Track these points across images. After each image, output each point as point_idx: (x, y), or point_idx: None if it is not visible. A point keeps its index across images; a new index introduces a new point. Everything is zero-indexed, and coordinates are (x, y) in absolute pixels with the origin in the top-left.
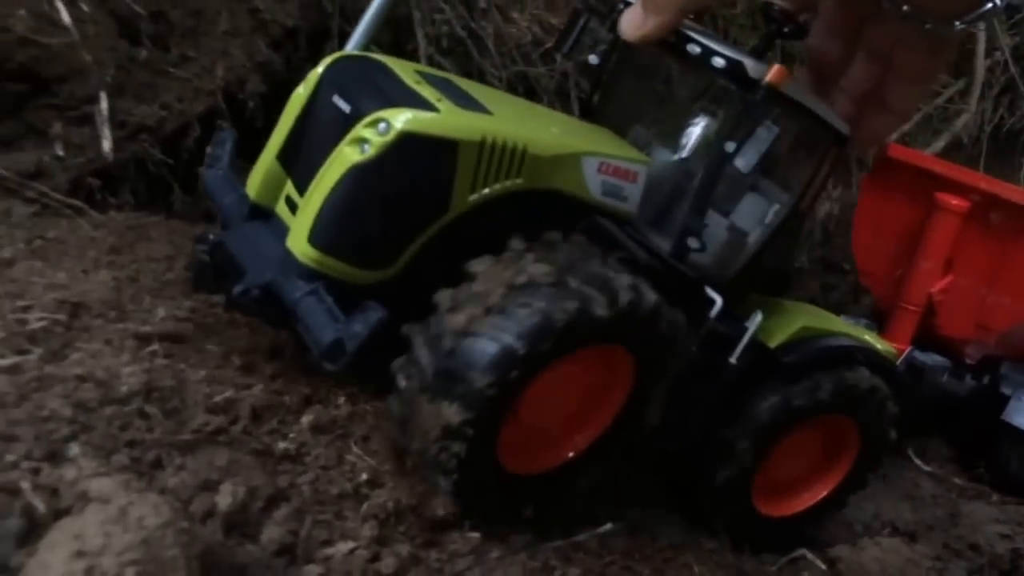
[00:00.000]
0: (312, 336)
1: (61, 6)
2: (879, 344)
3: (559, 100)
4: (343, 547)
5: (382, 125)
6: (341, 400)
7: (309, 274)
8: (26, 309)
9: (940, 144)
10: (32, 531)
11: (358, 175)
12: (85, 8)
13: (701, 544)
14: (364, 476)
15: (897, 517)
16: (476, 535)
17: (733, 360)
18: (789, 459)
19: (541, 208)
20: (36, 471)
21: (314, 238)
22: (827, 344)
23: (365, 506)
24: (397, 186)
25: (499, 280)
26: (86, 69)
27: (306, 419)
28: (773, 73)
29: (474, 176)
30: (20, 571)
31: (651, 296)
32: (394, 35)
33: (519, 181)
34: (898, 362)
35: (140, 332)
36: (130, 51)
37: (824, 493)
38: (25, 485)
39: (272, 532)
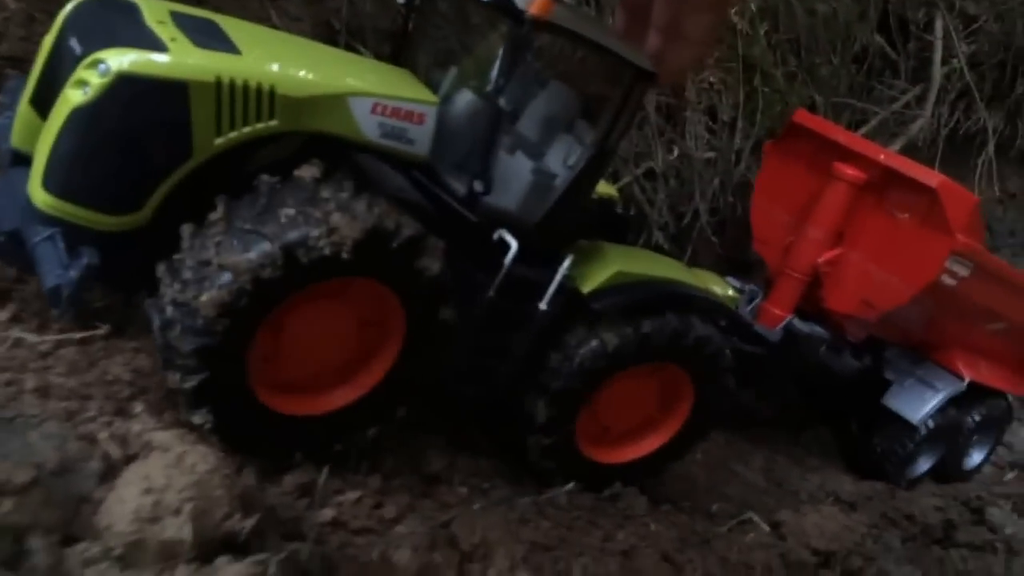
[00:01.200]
0: (41, 282)
1: None
2: (721, 294)
3: None
4: (352, 495)
5: (101, 66)
6: None
7: (46, 220)
8: None
9: (897, 146)
10: (108, 472)
11: (80, 118)
12: None
13: (658, 507)
14: (369, 443)
15: (840, 488)
16: (464, 489)
17: (543, 306)
18: (620, 407)
19: (321, 151)
20: (109, 424)
21: (47, 183)
22: (642, 290)
23: (370, 462)
24: (122, 129)
25: (241, 213)
26: None
27: None
28: (535, 4)
29: (216, 119)
30: (101, 503)
31: (407, 229)
32: None
33: (274, 123)
34: (775, 328)
35: None
36: None
37: (661, 442)
38: (101, 435)
39: (293, 480)
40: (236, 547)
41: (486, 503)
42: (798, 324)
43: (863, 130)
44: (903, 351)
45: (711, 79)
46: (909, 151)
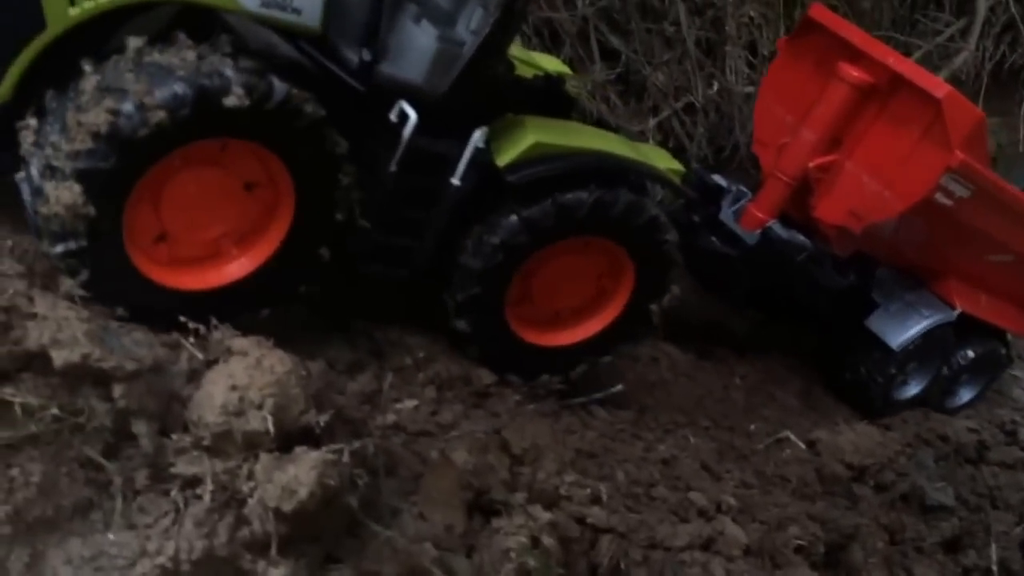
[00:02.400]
0: None
1: None
2: (663, 167)
3: (580, 43)
4: (410, 403)
5: None
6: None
7: None
8: None
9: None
10: (194, 373)
11: None
12: None
13: (698, 421)
14: (421, 354)
15: None
16: (513, 402)
17: (455, 181)
18: (558, 288)
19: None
20: (191, 331)
21: None
22: (562, 161)
23: (424, 375)
24: None
25: (107, 74)
26: None
27: (372, 305)
28: None
29: None
30: (190, 400)
31: (280, 89)
32: None
33: None
34: (754, 232)
35: None
36: None
37: (606, 323)
38: (185, 341)
39: (356, 388)
40: (312, 440)
41: (534, 414)
42: (778, 229)
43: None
44: (897, 274)
45: (751, 13)
46: (954, 84)
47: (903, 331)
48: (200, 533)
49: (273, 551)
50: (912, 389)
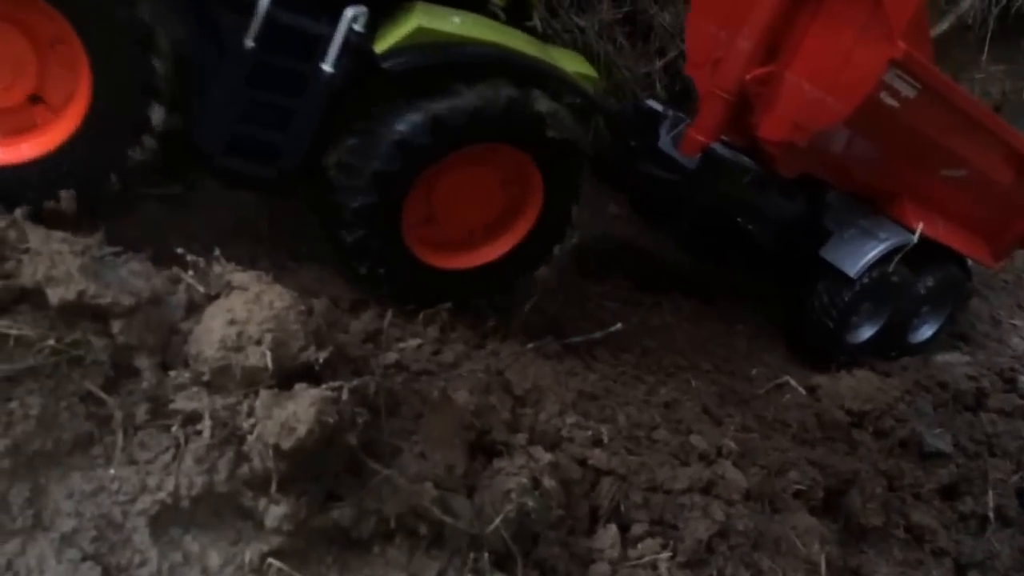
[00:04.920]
0: None
1: None
2: (572, 70)
3: None
4: (412, 343)
5: None
6: None
7: None
8: None
9: (944, 26)
10: (193, 307)
11: None
12: None
13: (700, 365)
14: None
15: (875, 360)
16: (515, 341)
17: (326, 67)
18: (460, 205)
19: None
20: (191, 264)
21: None
22: (453, 51)
23: (426, 314)
24: None
25: None
26: None
27: None
28: None
29: None
30: (189, 334)
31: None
32: None
33: None
34: (695, 158)
35: None
36: None
37: (511, 244)
38: (185, 274)
39: (358, 326)
40: (311, 376)
41: (536, 354)
42: (719, 150)
43: None
44: (851, 201)
45: None
46: (959, 30)
47: (860, 257)
48: (200, 469)
49: (273, 488)
50: (873, 326)
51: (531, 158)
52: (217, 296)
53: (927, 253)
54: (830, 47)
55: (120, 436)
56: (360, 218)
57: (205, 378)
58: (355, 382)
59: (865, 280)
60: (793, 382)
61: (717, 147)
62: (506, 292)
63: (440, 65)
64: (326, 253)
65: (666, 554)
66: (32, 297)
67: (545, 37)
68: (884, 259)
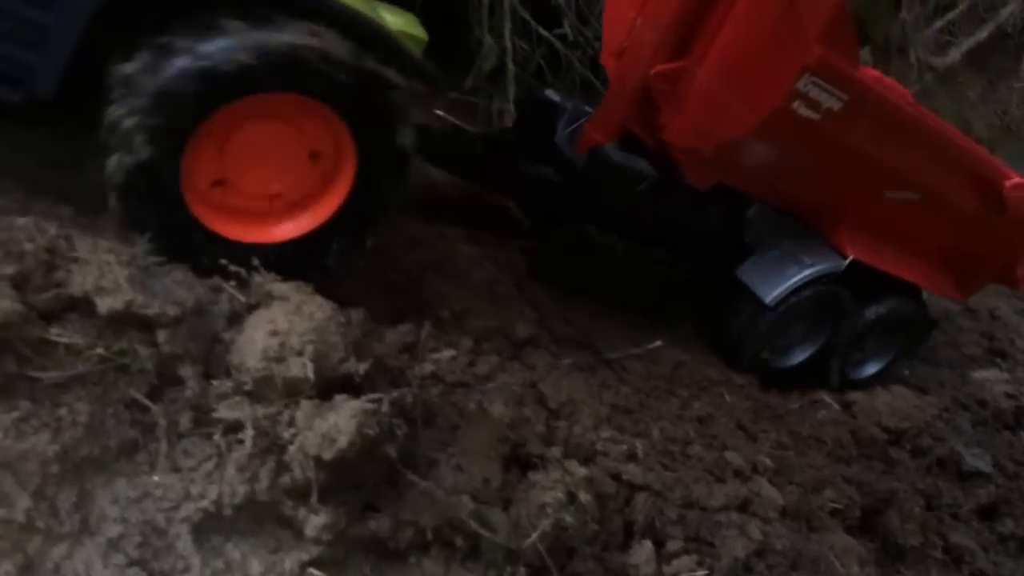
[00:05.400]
0: None
1: None
2: (399, 30)
3: None
4: (447, 354)
5: None
6: (440, 243)
7: None
8: None
9: (984, 34)
10: (234, 317)
11: None
12: None
13: (733, 379)
14: (459, 306)
15: (912, 375)
16: (549, 355)
17: None
18: (259, 168)
19: None
20: (232, 275)
21: None
22: None
23: (462, 327)
24: None
25: None
26: None
27: (413, 257)
28: None
29: None
30: (231, 344)
31: None
32: None
33: None
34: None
35: None
36: None
37: (326, 216)
38: (226, 285)
39: (394, 337)
40: (351, 387)
41: (570, 367)
42: (611, 151)
43: (951, 15)
44: (778, 216)
45: None
46: (997, 38)
47: (778, 282)
48: (242, 478)
49: (314, 498)
50: (798, 355)
51: (340, 120)
52: (258, 306)
53: (872, 282)
54: (744, 47)
55: (164, 443)
56: (129, 181)
57: (247, 388)
58: (394, 394)
59: (783, 308)
60: (828, 398)
61: (610, 148)
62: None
63: None
64: (363, 265)
65: (702, 572)
66: (81, 306)
67: (575, 45)
68: (808, 287)
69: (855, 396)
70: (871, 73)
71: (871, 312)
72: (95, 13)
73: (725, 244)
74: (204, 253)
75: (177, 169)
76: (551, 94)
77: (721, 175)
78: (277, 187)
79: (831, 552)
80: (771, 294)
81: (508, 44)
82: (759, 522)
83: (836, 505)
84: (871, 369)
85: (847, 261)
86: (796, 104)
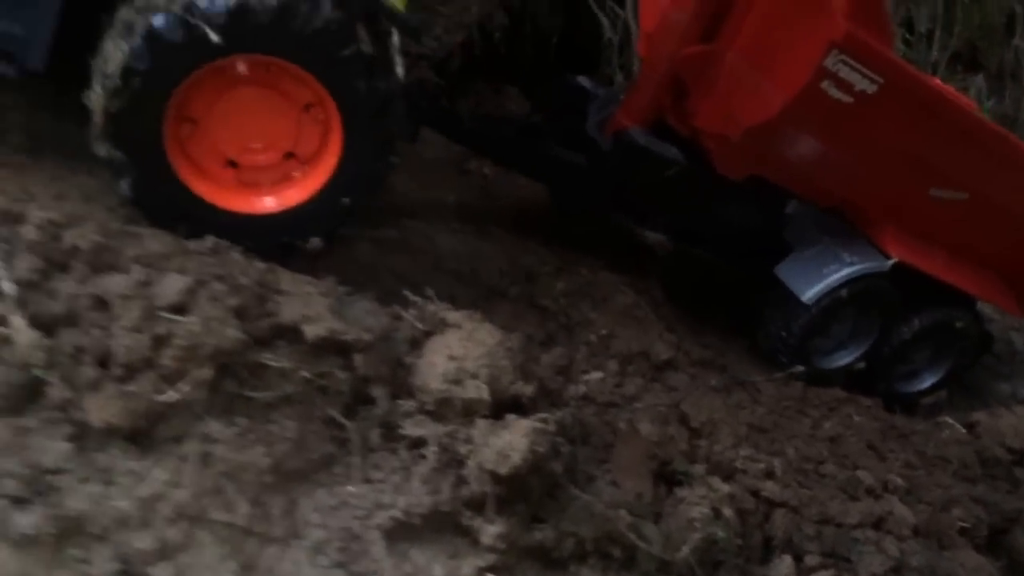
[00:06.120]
0: None
1: None
2: None
3: None
4: (597, 375)
5: None
6: (583, 270)
7: None
8: None
9: None
10: (415, 343)
11: None
12: None
13: (860, 400)
14: (604, 330)
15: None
16: (687, 376)
17: None
18: (246, 133)
19: None
20: (410, 304)
21: None
22: None
23: (608, 350)
24: None
25: None
26: None
27: (560, 284)
28: None
29: None
30: (412, 367)
31: None
32: None
33: None
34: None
35: None
36: None
37: (306, 194)
38: (405, 313)
39: (549, 360)
40: (520, 408)
41: (708, 388)
42: (638, 135)
43: None
44: (819, 213)
45: None
46: None
47: (816, 280)
48: (426, 490)
49: (489, 509)
50: (844, 357)
51: (322, 86)
52: (433, 332)
53: (921, 287)
54: (771, 25)
55: (358, 457)
56: (113, 126)
57: (429, 407)
58: (557, 414)
59: (821, 306)
60: (951, 419)
61: (636, 131)
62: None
63: None
64: (515, 291)
65: None
66: (288, 333)
67: None
68: (848, 286)
69: (978, 416)
70: (934, 82)
71: (919, 320)
72: None
73: (762, 240)
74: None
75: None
76: (583, 80)
77: (754, 166)
78: (260, 156)
79: (962, 570)
80: (809, 292)
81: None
82: (894, 539)
83: (964, 524)
84: (921, 383)
85: (891, 262)
86: (826, 84)
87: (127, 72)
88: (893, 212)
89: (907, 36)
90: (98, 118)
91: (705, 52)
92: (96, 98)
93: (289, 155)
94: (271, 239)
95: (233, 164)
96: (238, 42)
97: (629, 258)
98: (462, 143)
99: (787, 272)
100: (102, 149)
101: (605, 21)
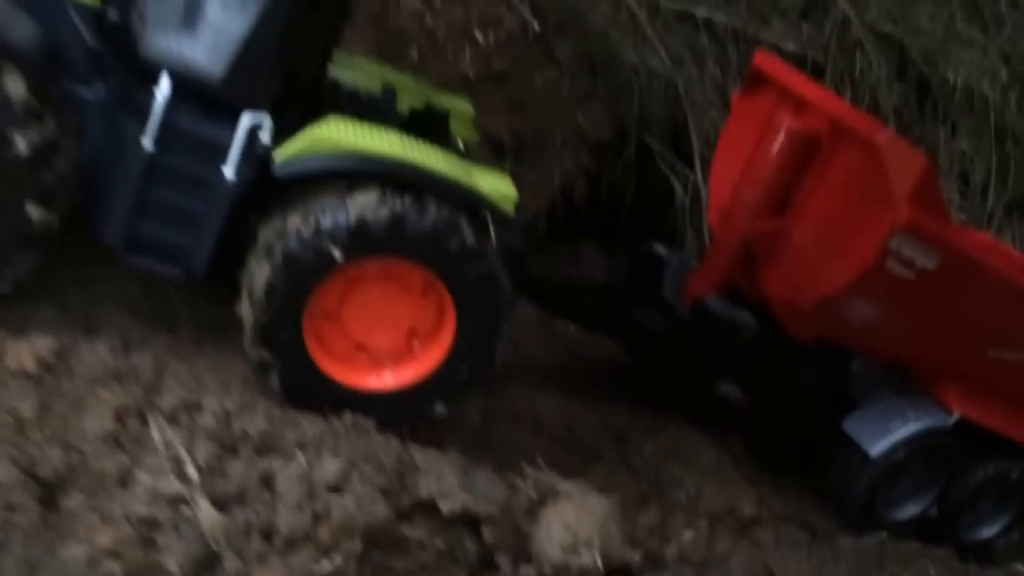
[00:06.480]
0: None
1: None
2: (490, 190)
3: None
4: (688, 534)
5: None
6: (670, 427)
7: None
8: None
9: None
10: (531, 511)
11: None
12: None
13: (934, 552)
14: (693, 489)
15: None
16: (772, 531)
17: (228, 173)
18: (373, 320)
19: None
20: (526, 476)
21: None
22: (345, 160)
23: (697, 508)
24: None
25: None
26: None
27: (649, 444)
28: None
29: None
30: (531, 534)
31: None
32: None
33: None
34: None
35: None
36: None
37: (421, 373)
38: (520, 483)
39: (644, 520)
40: (628, 572)
41: (790, 544)
42: (714, 303)
43: None
44: (884, 369)
45: (963, 147)
46: None
47: (884, 436)
48: None
49: None
50: (909, 509)
51: (438, 278)
52: (546, 500)
53: (984, 440)
54: (839, 206)
55: None
56: (261, 332)
57: (548, 573)
58: None
59: (888, 461)
60: (1020, 567)
61: (713, 300)
62: (405, 424)
63: (328, 174)
64: (610, 452)
65: None
66: (425, 508)
67: None
68: (914, 441)
69: None
70: (981, 236)
71: (983, 471)
72: (234, 202)
73: (830, 396)
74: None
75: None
76: (658, 248)
77: (822, 330)
78: (384, 339)
79: None
80: (876, 447)
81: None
82: None
83: None
84: (987, 531)
85: (954, 418)
86: (890, 263)
87: (270, 289)
88: (954, 370)
89: (962, 189)
90: (248, 328)
91: (775, 228)
92: (245, 311)
93: (411, 334)
94: (401, 410)
95: (362, 347)
96: (360, 250)
97: (710, 413)
98: (547, 309)
99: (855, 427)
100: (253, 353)
101: (677, 183)
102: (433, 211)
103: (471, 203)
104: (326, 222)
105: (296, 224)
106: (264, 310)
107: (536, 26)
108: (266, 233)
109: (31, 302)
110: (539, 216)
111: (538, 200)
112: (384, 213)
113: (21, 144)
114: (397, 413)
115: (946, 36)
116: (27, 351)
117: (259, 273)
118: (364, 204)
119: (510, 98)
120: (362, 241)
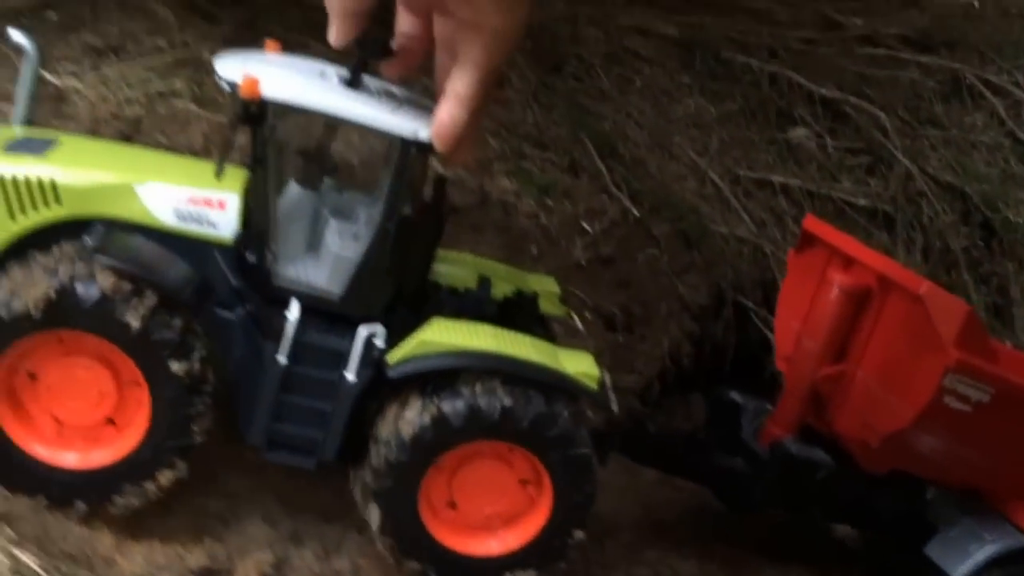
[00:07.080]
0: None
1: None
2: (576, 372)
3: None
4: None
5: None
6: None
7: None
8: None
9: None
10: None
11: None
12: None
13: None
14: None
15: None
16: None
17: (349, 376)
18: (478, 493)
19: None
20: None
21: None
22: (445, 359)
23: None
24: None
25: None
26: None
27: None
28: (243, 85)
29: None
30: None
31: (93, 289)
32: None
33: (61, 210)
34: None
35: None
36: (612, 337)
37: (525, 539)
38: None
39: None
40: None
41: None
42: (790, 443)
43: None
44: (955, 495)
45: None
46: None
47: (963, 558)
48: None
49: None
50: None
51: (536, 457)
52: None
53: None
54: (894, 350)
55: None
56: (379, 498)
57: None
58: None
59: None
60: None
61: (789, 441)
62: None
63: (439, 371)
64: None
65: None
66: None
67: None
68: (995, 564)
69: None
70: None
71: None
72: (356, 400)
73: (908, 523)
74: (434, 555)
75: (415, 491)
76: (735, 395)
77: (893, 462)
78: (489, 509)
79: None
80: (958, 570)
81: None
82: None
83: None
84: None
85: None
86: (947, 399)
87: (389, 466)
88: (1022, 491)
89: None
90: (365, 496)
91: (838, 372)
92: (363, 486)
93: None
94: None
95: (454, 505)
96: (473, 435)
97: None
98: (641, 462)
99: (936, 552)
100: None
101: (772, 337)
102: (539, 402)
103: (563, 389)
104: (446, 408)
105: (416, 412)
106: (384, 479)
107: (635, 211)
108: (382, 424)
109: (244, 520)
110: (652, 381)
111: (650, 366)
112: (488, 404)
113: (178, 370)
114: None
115: (1003, 178)
116: (252, 567)
117: (378, 454)
118: (467, 398)
119: (618, 277)
120: (477, 424)
